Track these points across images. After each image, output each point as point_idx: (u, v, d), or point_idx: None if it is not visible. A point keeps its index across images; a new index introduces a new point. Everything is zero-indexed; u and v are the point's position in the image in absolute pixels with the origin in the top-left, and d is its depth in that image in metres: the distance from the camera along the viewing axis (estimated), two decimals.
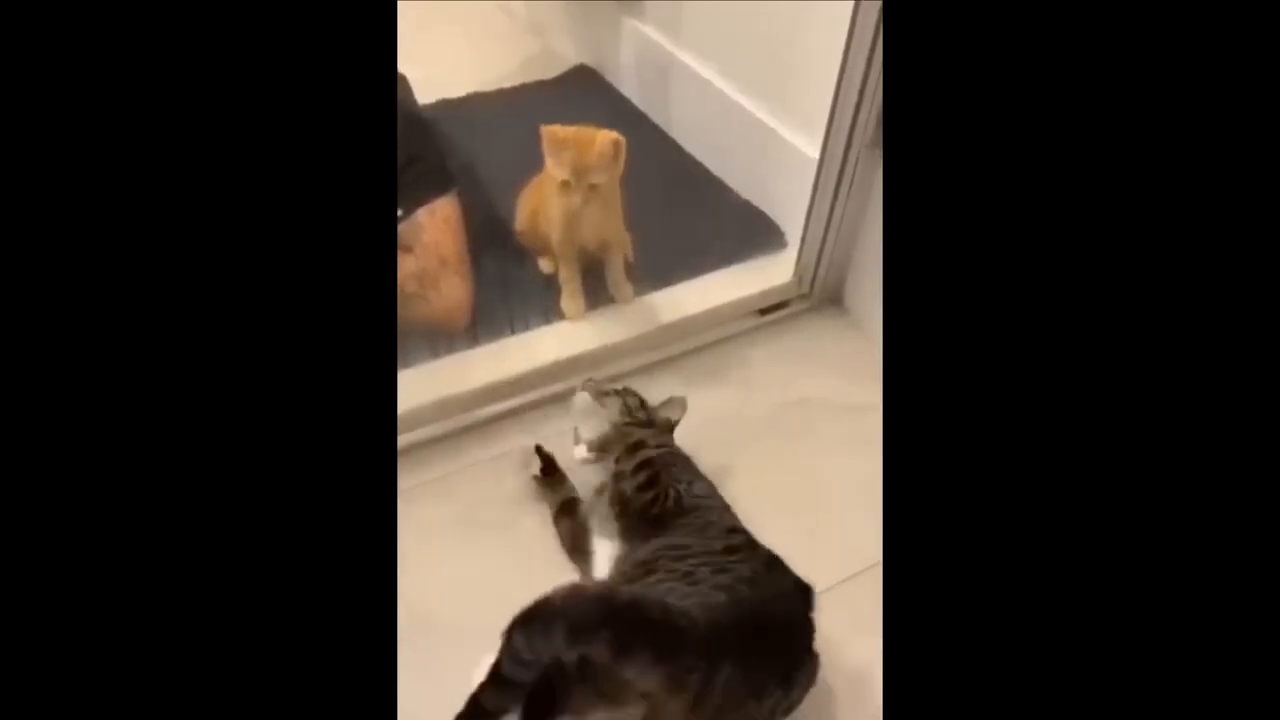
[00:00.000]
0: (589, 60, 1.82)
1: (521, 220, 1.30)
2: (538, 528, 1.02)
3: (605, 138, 1.10)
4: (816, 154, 1.19)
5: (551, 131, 1.09)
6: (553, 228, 1.19)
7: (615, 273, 1.24)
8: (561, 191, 1.12)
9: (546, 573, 0.97)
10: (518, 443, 1.10)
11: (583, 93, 1.74)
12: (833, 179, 1.18)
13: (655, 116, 1.64)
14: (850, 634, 0.91)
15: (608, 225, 1.20)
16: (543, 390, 1.16)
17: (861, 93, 1.10)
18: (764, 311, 1.28)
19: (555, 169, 1.11)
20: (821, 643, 0.87)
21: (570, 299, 1.22)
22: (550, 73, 1.80)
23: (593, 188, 1.10)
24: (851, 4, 1.05)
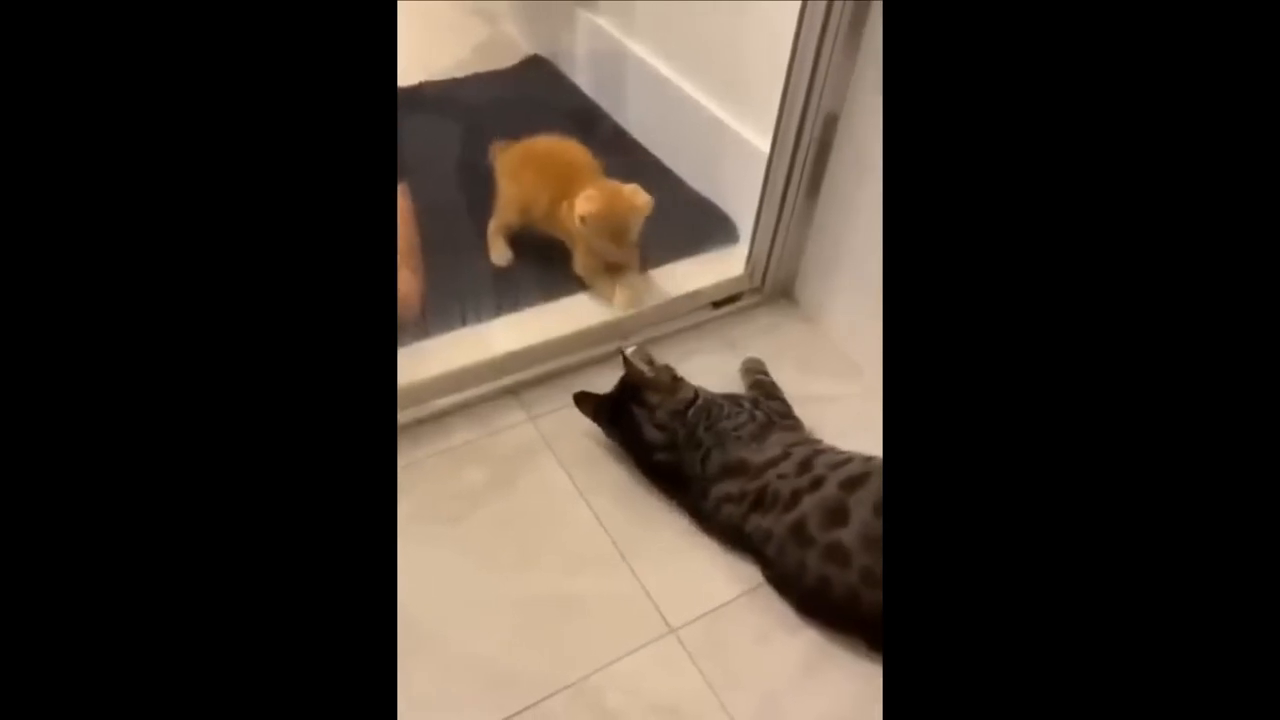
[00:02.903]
0: (542, 51, 1.81)
1: (506, 203, 1.30)
2: (492, 522, 1.02)
3: (639, 204, 1.19)
4: (767, 148, 1.21)
5: (595, 215, 1.17)
6: (574, 246, 1.26)
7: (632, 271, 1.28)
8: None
9: (501, 568, 0.98)
10: (470, 436, 1.10)
11: (536, 83, 1.73)
12: (783, 173, 1.20)
13: (608, 108, 1.64)
14: (799, 624, 0.94)
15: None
16: (495, 383, 1.16)
17: (810, 88, 1.12)
18: (717, 304, 1.29)
19: (597, 249, 1.22)
20: (770, 632, 0.89)
21: (618, 291, 1.24)
22: (503, 63, 1.79)
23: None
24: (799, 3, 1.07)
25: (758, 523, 0.96)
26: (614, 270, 1.26)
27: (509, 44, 1.87)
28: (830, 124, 1.15)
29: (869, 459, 0.97)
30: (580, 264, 1.26)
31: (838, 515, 0.91)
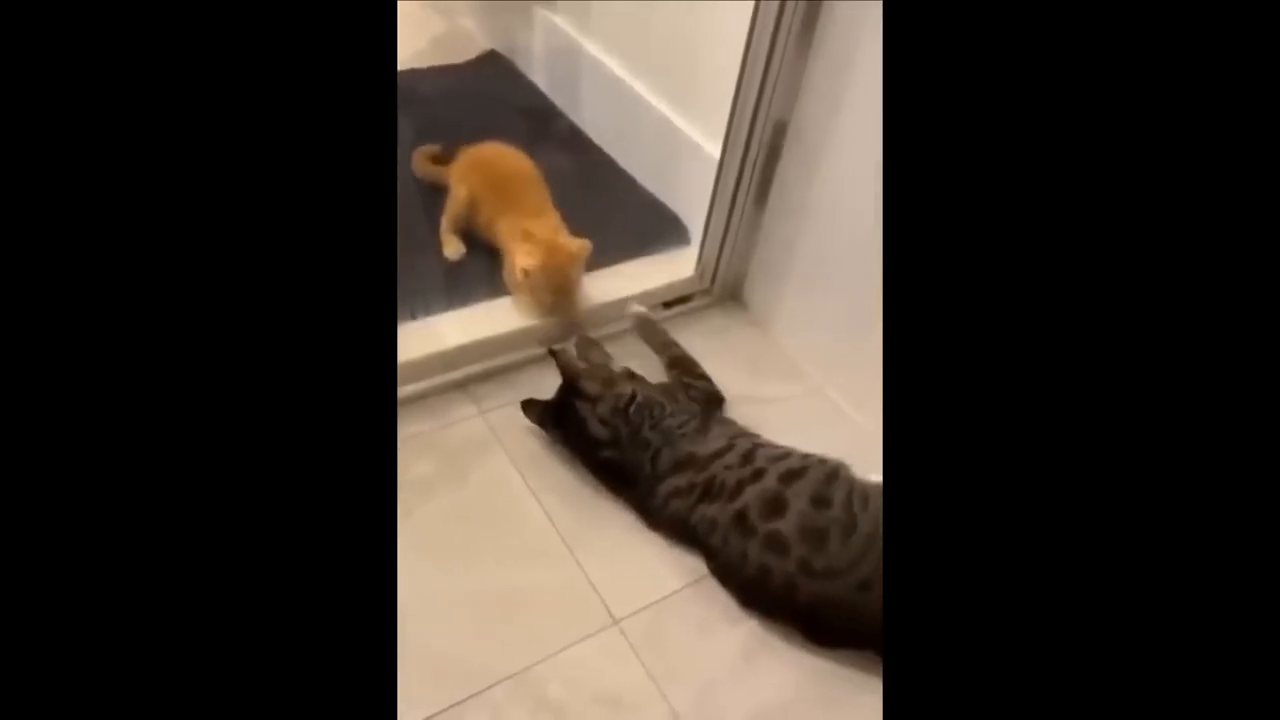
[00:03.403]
0: (499, 47, 1.81)
1: (456, 203, 1.31)
2: (441, 514, 1.03)
3: (575, 252, 1.19)
4: (718, 152, 1.23)
5: (536, 270, 1.17)
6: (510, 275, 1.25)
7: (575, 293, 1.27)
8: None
9: (449, 559, 0.99)
10: (420, 428, 1.10)
11: (492, 79, 1.74)
12: (732, 178, 1.23)
13: (564, 106, 1.65)
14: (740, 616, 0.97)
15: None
16: (445, 376, 1.16)
17: (760, 95, 1.14)
18: (668, 304, 1.32)
19: (541, 301, 1.21)
20: (711, 623, 0.91)
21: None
22: (460, 56, 1.79)
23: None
24: (752, 5, 1.09)
25: (704, 512, 0.98)
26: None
27: (466, 38, 1.87)
28: (780, 131, 1.19)
29: (806, 455, 1.01)
30: (514, 289, 1.25)
31: (777, 506, 0.94)
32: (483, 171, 1.32)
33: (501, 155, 1.35)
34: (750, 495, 0.96)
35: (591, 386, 1.07)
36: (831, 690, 0.92)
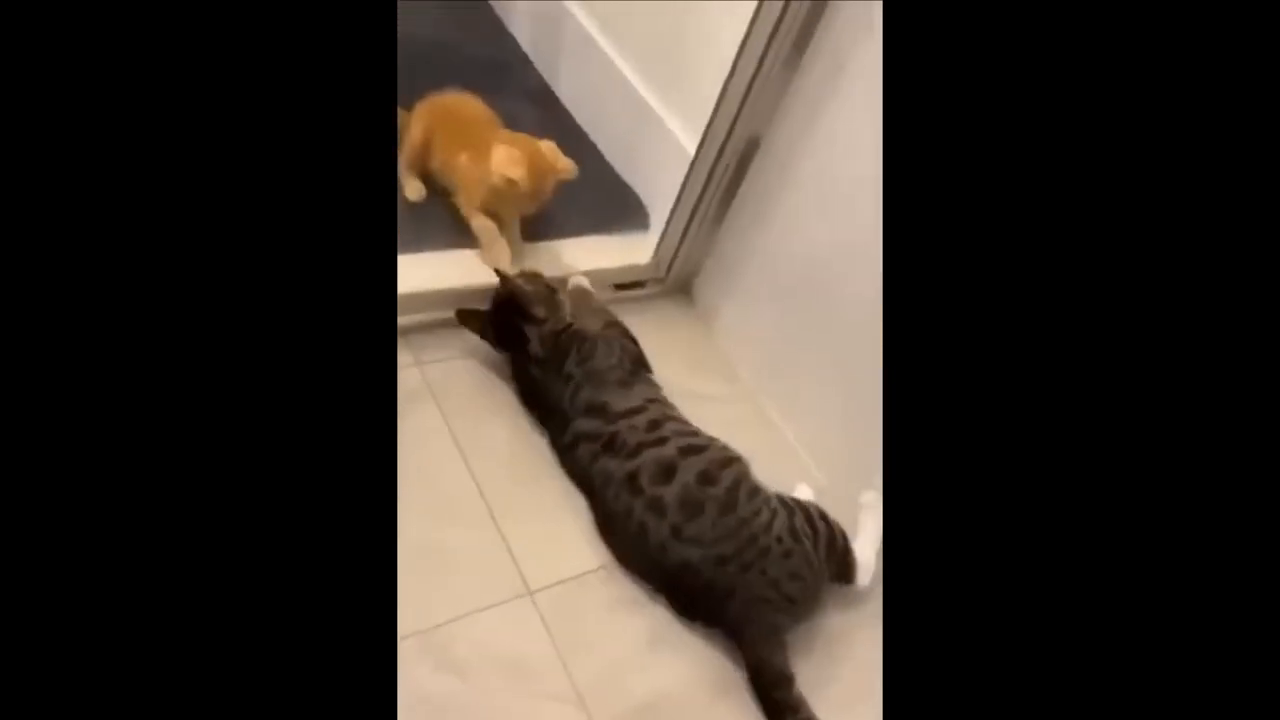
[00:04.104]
0: None
1: (412, 145, 1.28)
2: None
3: (560, 168, 1.20)
4: (693, 148, 1.24)
5: (521, 179, 1.16)
6: (471, 198, 1.24)
7: (513, 232, 1.27)
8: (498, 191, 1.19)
9: None
10: None
11: (467, 23, 1.67)
12: (702, 177, 1.24)
13: (541, 66, 1.62)
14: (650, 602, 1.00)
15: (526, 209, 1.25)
16: None
17: (741, 106, 1.16)
18: (620, 287, 1.33)
19: (511, 204, 1.20)
20: (622, 606, 0.93)
21: (498, 252, 1.22)
22: None
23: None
24: (754, 5, 1.10)
25: (604, 465, 1.02)
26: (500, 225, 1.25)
27: None
28: (753, 145, 1.21)
29: (713, 439, 1.06)
30: (473, 216, 1.24)
31: (668, 473, 0.99)
32: (442, 115, 1.29)
33: (463, 102, 1.32)
34: (647, 458, 1.00)
35: (540, 310, 1.11)
36: (725, 679, 0.96)
